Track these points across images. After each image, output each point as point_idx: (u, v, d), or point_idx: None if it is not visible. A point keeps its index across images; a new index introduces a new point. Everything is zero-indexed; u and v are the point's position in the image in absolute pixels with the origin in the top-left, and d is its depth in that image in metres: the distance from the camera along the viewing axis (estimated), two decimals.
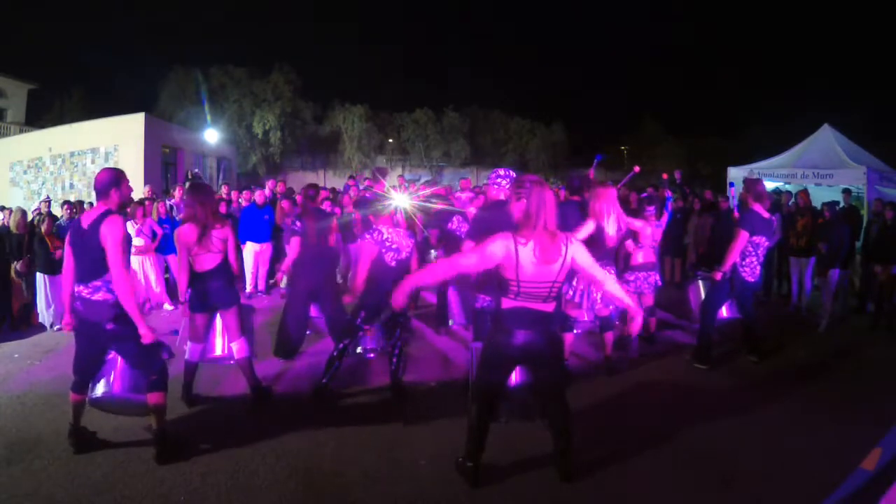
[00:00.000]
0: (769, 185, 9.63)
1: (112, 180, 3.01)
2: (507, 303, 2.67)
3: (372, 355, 4.56)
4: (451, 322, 5.37)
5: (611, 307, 4.53)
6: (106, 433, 3.34)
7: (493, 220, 3.28)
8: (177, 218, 7.16)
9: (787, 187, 9.56)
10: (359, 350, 4.40)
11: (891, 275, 6.03)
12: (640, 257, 5.07)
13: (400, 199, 4.09)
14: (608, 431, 3.50)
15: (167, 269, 7.16)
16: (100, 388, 3.15)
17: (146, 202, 7.17)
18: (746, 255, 4.57)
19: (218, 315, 3.87)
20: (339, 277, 7.15)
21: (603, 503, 2.78)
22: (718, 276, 4.57)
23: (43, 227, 5.94)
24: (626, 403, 4.01)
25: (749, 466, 3.09)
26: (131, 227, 6.65)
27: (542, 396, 2.98)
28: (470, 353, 3.51)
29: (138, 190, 9.33)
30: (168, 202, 7.65)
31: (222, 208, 7.22)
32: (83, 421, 3.23)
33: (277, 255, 7.48)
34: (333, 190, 9.74)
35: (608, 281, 2.77)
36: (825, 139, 10.02)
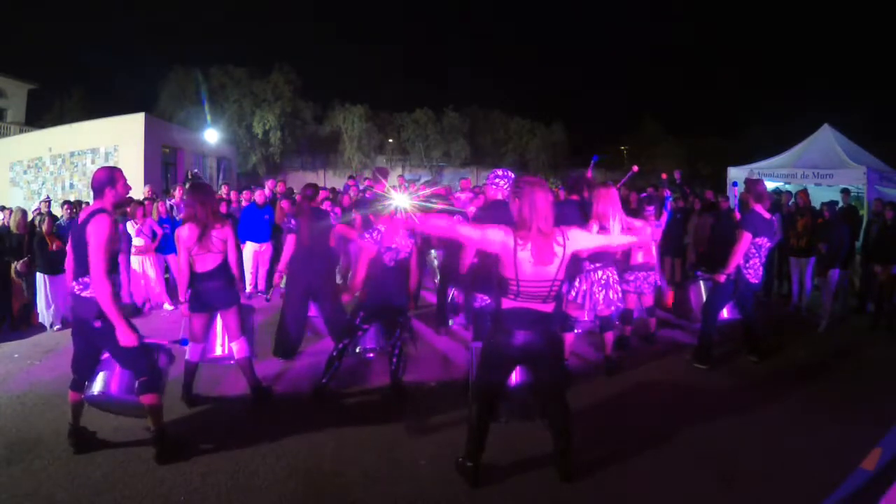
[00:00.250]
0: (769, 185, 9.63)
1: (107, 179, 3.00)
2: (507, 303, 2.67)
3: (372, 355, 4.57)
4: (451, 322, 5.37)
5: (612, 307, 4.53)
6: (106, 433, 3.35)
7: (492, 220, 3.28)
8: (177, 218, 7.16)
9: (787, 187, 9.56)
10: (358, 350, 4.40)
11: (891, 275, 6.03)
12: (639, 257, 5.07)
13: (400, 199, 4.07)
14: (608, 431, 3.50)
15: (167, 269, 7.16)
16: (96, 387, 3.15)
17: (146, 202, 7.17)
18: (750, 257, 4.57)
19: (218, 315, 3.87)
20: (339, 278, 7.15)
21: (603, 503, 2.78)
22: (722, 278, 4.56)
23: (43, 227, 5.94)
24: (626, 403, 4.01)
25: (749, 466, 3.09)
26: (131, 227, 6.66)
27: (541, 396, 2.98)
28: (470, 353, 3.51)
29: (138, 190, 9.34)
30: (168, 202, 7.65)
31: (222, 208, 7.22)
32: (83, 421, 3.23)
33: (277, 256, 7.47)
34: (333, 190, 9.74)
35: (614, 238, 2.76)
36: (825, 139, 10.02)
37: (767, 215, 4.62)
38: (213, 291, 3.72)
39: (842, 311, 6.65)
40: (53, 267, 5.89)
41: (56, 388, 4.09)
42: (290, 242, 4.74)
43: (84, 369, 3.16)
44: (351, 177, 13.24)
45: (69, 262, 3.06)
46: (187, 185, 6.64)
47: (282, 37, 47.22)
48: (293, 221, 4.73)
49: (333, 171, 29.71)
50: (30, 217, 6.69)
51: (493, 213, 3.50)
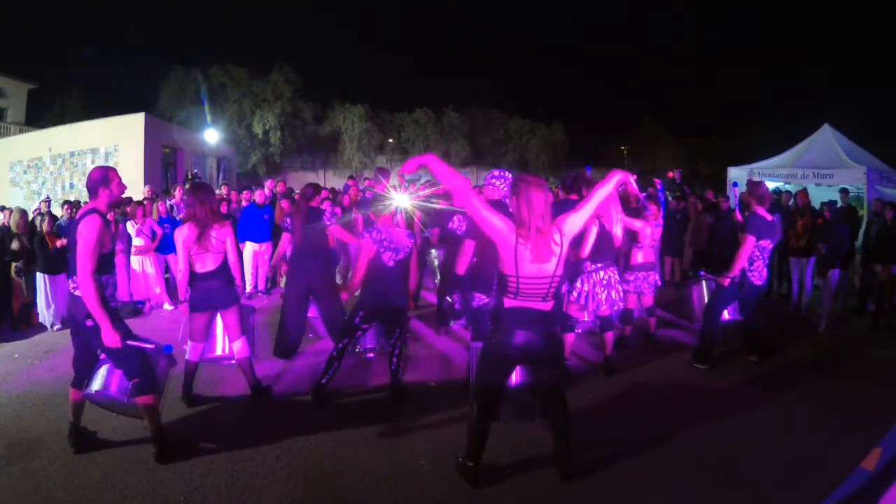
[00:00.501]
0: (769, 185, 9.63)
1: (101, 179, 2.99)
2: (507, 302, 2.67)
3: (371, 355, 4.58)
4: (451, 322, 5.38)
5: (614, 308, 4.54)
6: (106, 433, 3.35)
7: None
8: (177, 218, 7.16)
9: (787, 187, 9.57)
10: (358, 350, 4.40)
11: (891, 275, 6.03)
12: (639, 257, 5.07)
13: (400, 199, 4.07)
14: (608, 431, 3.50)
15: (167, 269, 7.16)
16: (95, 385, 3.15)
17: (146, 202, 7.17)
18: (754, 260, 4.57)
19: (218, 315, 3.87)
20: (339, 277, 7.15)
21: (603, 503, 2.78)
22: (726, 281, 4.55)
23: (44, 227, 5.94)
24: (626, 403, 4.01)
25: (749, 466, 3.09)
26: (131, 228, 6.66)
27: (541, 396, 2.99)
28: (469, 353, 3.51)
29: (138, 190, 9.36)
30: (168, 202, 7.65)
31: (222, 208, 7.22)
32: (83, 421, 3.23)
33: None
34: (333, 190, 9.74)
35: (597, 198, 2.72)
36: (825, 139, 10.03)
37: (769, 217, 4.62)
38: (212, 291, 3.72)
39: (842, 311, 6.65)
40: (53, 267, 5.89)
41: (56, 388, 4.09)
42: (284, 240, 4.84)
43: (83, 367, 3.16)
44: (351, 177, 13.25)
45: (70, 263, 3.06)
46: (187, 185, 6.63)
47: (282, 37, 47.30)
48: (288, 220, 4.75)
49: (333, 171, 29.72)
50: (30, 217, 6.70)
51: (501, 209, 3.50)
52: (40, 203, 7.70)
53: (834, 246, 6.24)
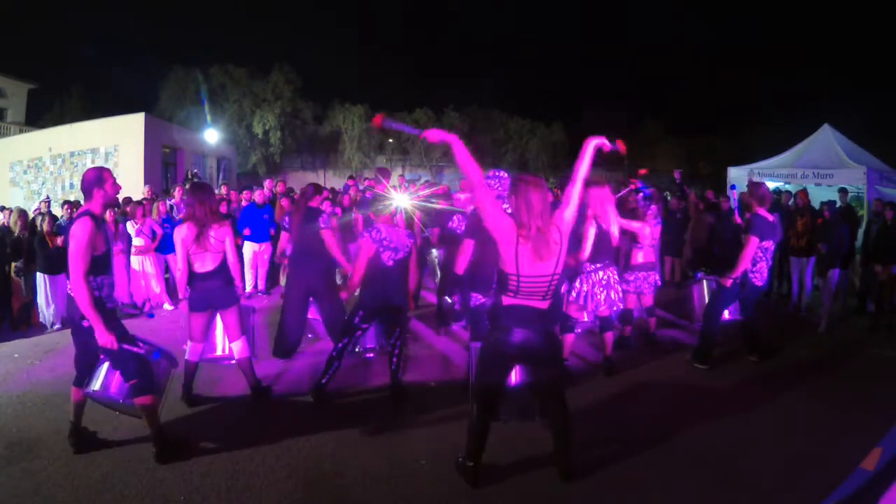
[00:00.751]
0: (770, 185, 9.63)
1: (95, 179, 2.99)
2: (505, 300, 2.67)
3: (371, 355, 4.57)
4: (451, 323, 5.38)
5: (613, 308, 4.53)
6: (106, 433, 3.35)
7: None
8: (176, 218, 7.15)
9: (787, 187, 9.57)
10: (358, 350, 4.40)
11: (891, 275, 6.03)
12: (639, 257, 5.07)
13: (400, 199, 4.07)
14: (608, 431, 3.50)
15: (167, 269, 7.16)
16: (95, 384, 3.15)
17: (145, 202, 7.17)
18: (757, 261, 4.57)
19: (218, 315, 3.87)
20: (339, 277, 7.14)
21: (602, 503, 2.78)
22: (729, 282, 4.55)
23: (44, 227, 5.94)
24: (626, 403, 4.01)
25: (749, 466, 3.09)
26: (131, 228, 6.66)
27: (540, 396, 2.99)
28: (468, 354, 3.51)
29: (138, 190, 9.36)
30: (168, 202, 7.65)
31: (222, 208, 7.21)
32: (83, 421, 3.23)
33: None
34: (333, 190, 9.74)
35: (584, 167, 2.71)
36: (825, 139, 10.03)
37: (770, 217, 4.62)
38: (212, 291, 3.72)
39: (842, 311, 6.65)
40: (53, 267, 5.90)
41: (56, 388, 4.09)
42: (283, 239, 4.87)
43: (84, 366, 3.16)
44: (351, 177, 13.25)
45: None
46: (187, 185, 6.62)
47: (282, 37, 47.26)
48: (286, 219, 4.75)
49: (333, 171, 29.70)
50: (30, 217, 6.70)
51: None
52: (40, 203, 7.71)
53: (834, 246, 6.24)
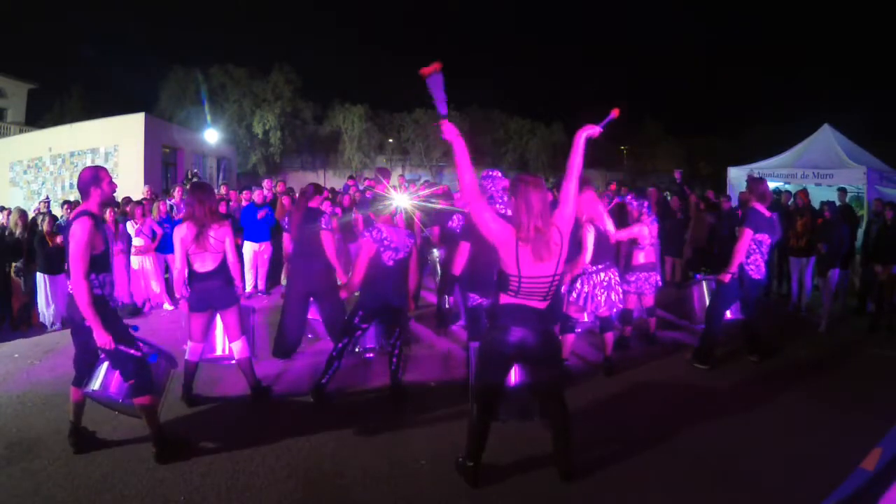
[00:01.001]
0: (769, 185, 9.63)
1: (91, 179, 2.99)
2: (504, 299, 2.67)
3: (371, 355, 4.57)
4: (451, 323, 5.38)
5: (614, 309, 4.53)
6: (106, 433, 3.35)
7: None
8: (176, 218, 7.15)
9: (788, 187, 9.57)
10: (358, 350, 4.40)
11: (891, 275, 6.03)
12: (640, 257, 5.07)
13: (400, 199, 4.06)
14: (608, 431, 3.50)
15: (167, 269, 7.16)
16: (95, 384, 3.15)
17: (145, 202, 7.17)
18: (751, 254, 4.58)
19: (218, 315, 3.87)
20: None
21: (602, 503, 2.78)
22: (727, 277, 4.56)
23: (44, 227, 5.95)
24: (626, 403, 4.01)
25: (749, 466, 3.09)
26: (131, 228, 6.66)
27: (540, 396, 2.99)
28: (467, 354, 3.50)
29: (138, 190, 9.36)
30: (168, 202, 7.65)
31: (222, 208, 7.21)
32: (83, 421, 3.23)
33: (276, 255, 7.48)
34: (333, 190, 9.75)
35: (577, 160, 2.71)
36: (825, 139, 10.03)
37: (768, 213, 4.63)
38: (212, 291, 3.71)
39: (842, 311, 6.64)
40: (53, 266, 5.90)
41: (56, 388, 4.09)
42: (286, 240, 4.84)
43: (84, 366, 3.16)
44: (351, 177, 13.26)
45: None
46: (187, 185, 6.63)
47: (282, 37, 47.30)
48: (286, 220, 4.74)
49: (333, 171, 29.74)
50: (30, 217, 6.70)
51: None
52: (39, 203, 7.71)
53: (834, 246, 6.24)
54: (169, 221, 7.10)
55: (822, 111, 12.38)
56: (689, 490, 2.87)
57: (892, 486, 1.27)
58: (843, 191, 8.14)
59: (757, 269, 4.61)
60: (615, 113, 2.85)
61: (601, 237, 4.31)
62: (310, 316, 4.84)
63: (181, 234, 3.64)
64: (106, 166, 7.18)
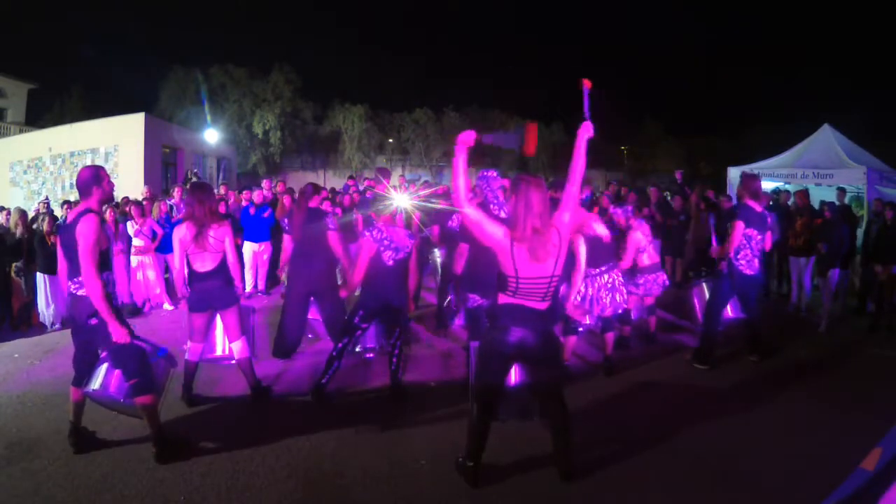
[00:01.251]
0: (769, 184, 9.65)
1: (92, 177, 3.01)
2: (503, 299, 2.67)
3: (371, 355, 4.57)
4: (450, 324, 5.37)
5: (618, 310, 4.53)
6: (105, 433, 3.35)
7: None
8: (176, 218, 7.15)
9: (787, 187, 9.57)
10: (358, 350, 4.40)
11: (891, 275, 6.03)
12: (645, 259, 5.07)
13: (400, 199, 4.07)
14: (608, 431, 3.50)
15: (167, 269, 7.16)
16: (94, 384, 3.15)
17: (145, 202, 7.17)
18: (740, 249, 4.57)
19: (218, 315, 3.87)
20: (340, 277, 7.14)
21: (602, 503, 2.78)
22: (723, 266, 4.62)
23: (44, 227, 5.95)
24: (626, 403, 4.01)
25: (749, 466, 3.09)
26: (131, 228, 6.66)
27: (540, 396, 2.99)
28: (467, 354, 3.50)
29: (138, 190, 9.36)
30: (168, 202, 7.65)
31: (221, 208, 7.21)
32: (83, 421, 3.23)
33: (276, 255, 7.48)
34: (333, 190, 9.75)
35: (580, 161, 2.70)
36: (825, 139, 10.03)
37: (759, 209, 4.64)
38: (212, 291, 3.71)
39: (842, 311, 6.64)
40: (53, 266, 5.88)
41: (56, 388, 4.09)
42: (287, 241, 4.82)
43: (84, 366, 3.17)
44: (351, 177, 13.26)
45: (61, 263, 3.09)
46: (187, 185, 6.62)
47: (282, 37, 47.31)
48: (286, 220, 4.74)
49: (333, 171, 29.73)
50: (30, 216, 6.70)
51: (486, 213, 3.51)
52: (39, 203, 7.72)
53: (834, 246, 6.24)
54: (169, 221, 7.11)
55: (822, 111, 12.39)
56: (689, 490, 2.87)
57: (892, 486, 1.27)
58: (842, 191, 8.14)
59: (748, 264, 4.59)
60: (587, 84, 2.82)
61: (595, 241, 4.28)
62: (310, 316, 4.84)
63: (181, 234, 3.64)
64: (106, 166, 7.19)
